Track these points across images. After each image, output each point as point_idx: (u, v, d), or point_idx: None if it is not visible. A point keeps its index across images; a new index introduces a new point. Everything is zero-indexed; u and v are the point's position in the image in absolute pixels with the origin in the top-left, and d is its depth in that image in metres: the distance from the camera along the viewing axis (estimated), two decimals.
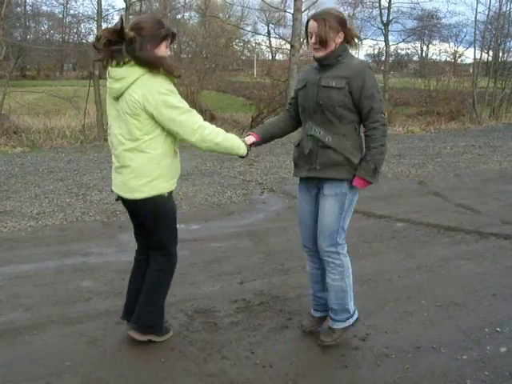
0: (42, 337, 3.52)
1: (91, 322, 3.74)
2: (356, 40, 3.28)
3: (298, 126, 3.57)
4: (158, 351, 3.36)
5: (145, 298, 3.38)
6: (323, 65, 3.22)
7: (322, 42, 3.14)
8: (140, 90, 2.96)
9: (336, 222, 3.27)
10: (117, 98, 3.07)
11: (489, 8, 20.22)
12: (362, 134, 3.28)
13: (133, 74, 2.97)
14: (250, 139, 3.42)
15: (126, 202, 3.30)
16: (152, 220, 3.29)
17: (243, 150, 3.31)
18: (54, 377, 3.07)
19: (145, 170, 3.13)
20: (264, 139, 3.50)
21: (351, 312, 3.45)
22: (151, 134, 3.08)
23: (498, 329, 3.67)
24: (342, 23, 3.17)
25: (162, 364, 3.22)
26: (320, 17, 3.16)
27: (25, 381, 3.04)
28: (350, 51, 3.30)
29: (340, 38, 3.17)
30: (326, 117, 3.20)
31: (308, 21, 3.24)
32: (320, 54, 3.19)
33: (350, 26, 3.25)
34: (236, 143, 3.27)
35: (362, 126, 3.28)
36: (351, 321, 3.45)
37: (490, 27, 21.24)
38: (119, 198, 3.32)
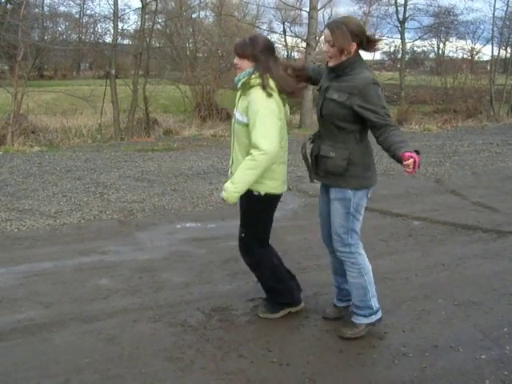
0: (61, 334, 3.56)
1: (109, 319, 3.78)
2: (375, 45, 3.27)
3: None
4: (176, 349, 3.38)
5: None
6: (335, 73, 3.29)
7: (336, 51, 3.19)
8: None
9: (344, 224, 3.37)
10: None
11: (507, 4, 19.97)
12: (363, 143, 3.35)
13: None
14: None
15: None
16: None
17: None
18: (73, 374, 3.11)
19: None
20: None
21: (374, 309, 3.50)
22: None
23: None
24: (356, 32, 3.17)
25: (180, 362, 3.24)
26: (334, 25, 3.21)
27: (44, 377, 3.08)
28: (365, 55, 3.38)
29: (353, 48, 3.19)
30: (329, 126, 3.31)
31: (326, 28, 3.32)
32: (332, 62, 3.27)
33: (370, 35, 3.27)
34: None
35: (364, 134, 3.35)
36: (374, 318, 3.51)
37: (508, 23, 21.03)
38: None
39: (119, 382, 3.04)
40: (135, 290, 4.25)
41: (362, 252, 3.47)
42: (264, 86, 3.31)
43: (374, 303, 3.50)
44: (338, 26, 3.17)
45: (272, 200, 3.54)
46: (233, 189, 3.33)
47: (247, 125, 3.34)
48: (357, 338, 3.48)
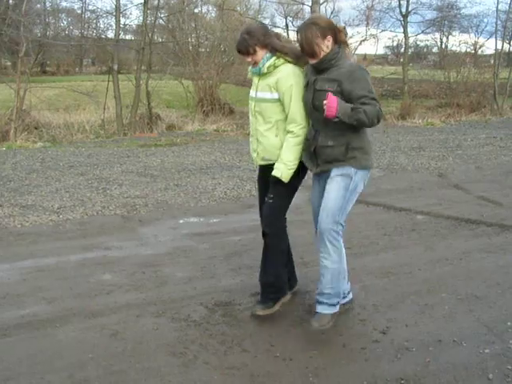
0: (64, 329, 3.57)
1: (112, 314, 3.78)
2: (345, 43, 3.37)
3: None
4: (179, 344, 3.38)
5: None
6: (319, 69, 3.34)
7: (309, 53, 3.28)
8: None
9: (339, 201, 3.40)
10: None
11: None
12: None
13: None
14: None
15: None
16: None
17: None
18: (77, 369, 3.11)
19: None
20: None
21: (341, 296, 3.60)
22: None
23: None
24: (327, 28, 3.27)
25: (183, 356, 3.24)
26: (301, 29, 3.31)
27: (48, 372, 3.08)
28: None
29: (329, 42, 3.28)
30: (323, 117, 3.29)
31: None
32: (313, 61, 3.33)
33: (341, 28, 3.34)
34: None
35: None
36: (337, 307, 3.59)
37: (511, 17, 20.89)
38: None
39: (123, 377, 3.04)
40: (138, 285, 4.25)
41: (342, 239, 3.53)
42: (291, 60, 3.48)
43: (346, 286, 3.66)
44: (305, 28, 3.28)
45: (304, 173, 3.70)
46: (284, 167, 3.48)
47: (278, 100, 3.47)
48: (325, 328, 3.50)
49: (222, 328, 3.58)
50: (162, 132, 14.05)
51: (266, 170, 3.69)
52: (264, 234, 3.79)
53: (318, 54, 3.26)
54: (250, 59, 3.53)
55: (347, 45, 3.40)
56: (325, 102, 3.13)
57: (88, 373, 3.08)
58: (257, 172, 4.01)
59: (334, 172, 3.41)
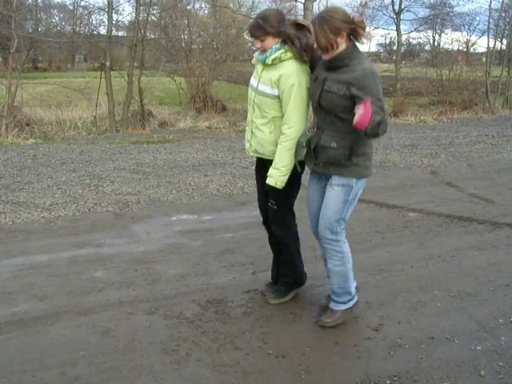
0: (56, 327, 3.55)
1: (104, 312, 3.76)
2: (363, 37, 3.16)
3: None
4: (171, 341, 3.37)
5: None
6: (331, 66, 3.20)
7: (323, 48, 3.13)
8: None
9: (338, 212, 3.38)
10: None
11: None
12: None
13: None
14: None
15: None
16: None
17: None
18: (69, 366, 3.10)
19: None
20: None
21: (352, 294, 3.58)
22: None
23: None
24: (342, 23, 3.08)
25: (175, 354, 3.23)
26: (315, 21, 3.13)
27: (40, 370, 3.07)
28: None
29: (343, 39, 3.10)
30: (329, 117, 3.23)
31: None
32: (326, 56, 3.18)
33: (358, 19, 3.13)
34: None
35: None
36: (352, 303, 3.60)
37: (504, 15, 21.04)
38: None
39: (115, 375, 3.03)
40: (131, 283, 4.23)
41: (345, 240, 3.51)
42: (298, 57, 3.34)
43: (353, 289, 3.58)
44: (321, 20, 3.09)
45: (303, 167, 3.58)
46: (279, 174, 3.41)
47: (277, 96, 3.37)
48: (337, 324, 3.53)
49: (214, 325, 3.58)
50: (154, 129, 14.01)
51: (261, 160, 3.66)
52: (266, 224, 3.86)
53: (330, 49, 3.11)
54: (259, 45, 3.40)
55: (364, 39, 3.17)
56: (359, 108, 2.91)
57: (80, 370, 3.07)
58: (252, 167, 3.99)
59: (335, 180, 3.33)
